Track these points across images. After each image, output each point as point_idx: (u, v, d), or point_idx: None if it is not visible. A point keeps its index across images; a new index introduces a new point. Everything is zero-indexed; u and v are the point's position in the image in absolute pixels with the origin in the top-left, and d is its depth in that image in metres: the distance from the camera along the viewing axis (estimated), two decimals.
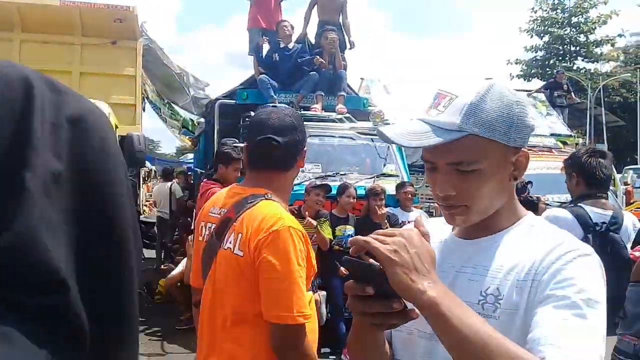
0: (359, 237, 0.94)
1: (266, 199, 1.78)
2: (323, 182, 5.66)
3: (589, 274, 1.03)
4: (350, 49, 7.68)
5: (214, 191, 3.97)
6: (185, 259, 6.75)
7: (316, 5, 7.69)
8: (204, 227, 1.95)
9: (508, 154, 1.14)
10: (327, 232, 5.45)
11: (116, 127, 5.97)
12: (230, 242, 1.75)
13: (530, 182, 3.57)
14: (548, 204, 3.47)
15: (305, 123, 6.71)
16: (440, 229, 1.26)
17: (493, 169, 1.12)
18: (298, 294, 1.67)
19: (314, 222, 5.30)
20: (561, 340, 0.91)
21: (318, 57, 7.07)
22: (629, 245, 3.01)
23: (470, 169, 1.10)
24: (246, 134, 2.04)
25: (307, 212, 5.37)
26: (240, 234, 1.72)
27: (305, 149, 1.94)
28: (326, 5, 7.66)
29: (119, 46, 7.78)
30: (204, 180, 8.07)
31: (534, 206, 3.42)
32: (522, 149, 1.17)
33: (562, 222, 2.93)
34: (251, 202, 1.77)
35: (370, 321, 0.98)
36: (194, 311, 2.10)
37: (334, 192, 5.68)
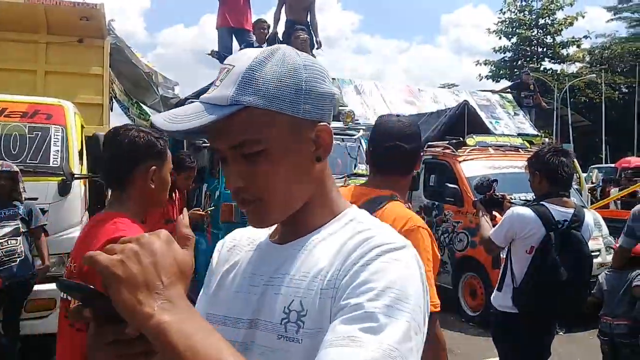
0: (91, 251, 0.73)
1: (393, 199, 1.96)
2: None
3: (396, 271, 0.83)
4: (317, 48, 7.68)
5: None
6: None
7: (284, 5, 7.68)
8: None
9: (302, 129, 0.93)
10: None
11: (82, 127, 5.85)
12: None
13: (495, 180, 3.62)
14: (513, 203, 3.52)
15: None
16: (259, 232, 1.06)
17: (283, 149, 0.91)
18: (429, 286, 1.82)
19: None
20: None
21: None
22: (590, 242, 3.09)
23: (255, 151, 0.90)
24: (372, 138, 2.17)
25: None
26: None
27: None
28: (294, 5, 7.66)
29: (85, 45, 7.62)
30: None
31: (500, 204, 3.47)
32: (322, 122, 0.95)
33: (526, 220, 3.00)
34: (381, 203, 1.94)
35: (110, 353, 0.74)
36: None
37: None
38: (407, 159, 2.04)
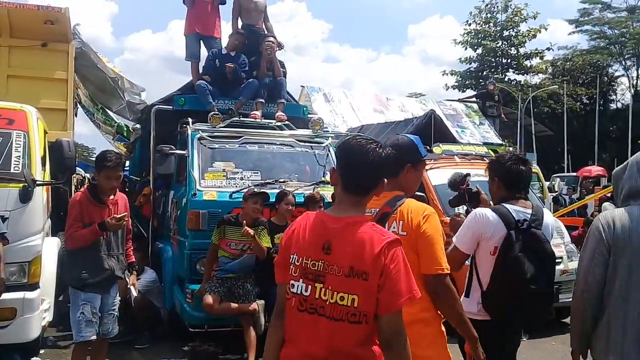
0: None
1: (407, 197, 2.62)
2: (261, 190, 5.63)
3: None
4: (280, 49, 7.69)
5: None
6: None
7: (240, 12, 7.66)
8: None
9: None
10: (265, 241, 5.40)
11: (45, 132, 5.72)
12: (393, 228, 2.49)
13: (468, 173, 3.64)
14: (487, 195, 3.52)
15: (244, 130, 6.68)
16: None
17: None
18: (443, 254, 2.50)
19: (252, 231, 5.26)
20: None
21: (230, 64, 7.05)
22: (551, 240, 3.17)
23: None
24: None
25: (244, 221, 5.32)
26: (401, 221, 2.51)
27: (409, 161, 2.70)
28: (251, 9, 7.64)
29: (49, 49, 7.46)
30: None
31: (476, 197, 3.50)
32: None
33: (489, 220, 3.05)
34: (401, 200, 2.56)
35: None
36: None
37: (272, 199, 5.67)
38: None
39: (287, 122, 6.91)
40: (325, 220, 2.07)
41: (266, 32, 7.63)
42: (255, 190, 5.58)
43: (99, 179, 4.45)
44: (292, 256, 2.08)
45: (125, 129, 10.73)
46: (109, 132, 11.04)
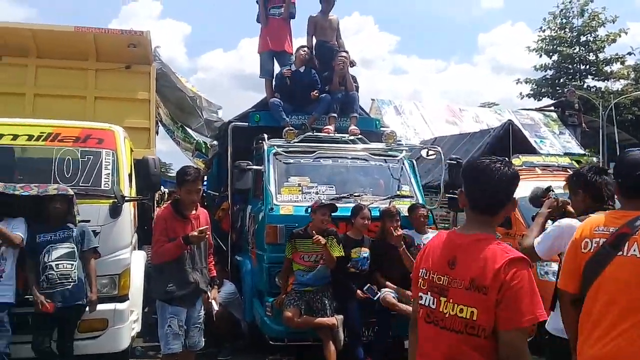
0: None
1: None
2: (329, 202, 5.67)
3: None
4: (353, 66, 7.74)
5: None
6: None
7: (315, 30, 7.77)
8: (589, 242, 2.52)
9: None
10: (336, 250, 5.42)
11: (131, 150, 5.99)
12: (634, 250, 2.35)
13: (549, 186, 3.61)
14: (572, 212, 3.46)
15: (318, 145, 6.73)
16: None
17: None
18: None
19: (323, 240, 5.29)
20: None
21: (316, 91, 7.17)
22: None
23: None
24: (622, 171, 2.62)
25: (313, 231, 5.38)
26: None
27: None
28: (326, 27, 7.74)
29: (132, 71, 7.83)
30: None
31: (562, 212, 3.47)
32: None
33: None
34: None
35: None
36: (568, 310, 2.63)
37: (341, 213, 5.68)
38: None
39: (360, 136, 6.90)
40: (453, 238, 2.16)
41: (339, 49, 7.70)
42: (323, 202, 5.63)
43: (180, 193, 4.61)
44: (421, 270, 2.20)
45: (203, 145, 11.09)
46: (188, 149, 11.45)
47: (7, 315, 4.36)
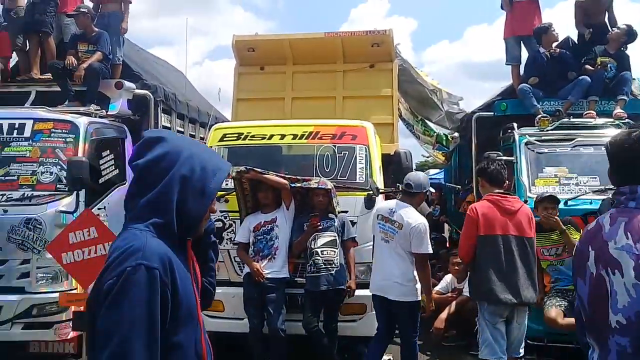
0: None
1: None
2: (549, 194, 5.23)
3: None
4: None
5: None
6: (448, 275, 6.70)
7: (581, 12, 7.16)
8: None
9: None
10: (576, 236, 4.94)
11: (380, 145, 6.23)
12: None
13: None
14: None
15: (576, 132, 6.16)
16: None
17: None
18: None
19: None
20: None
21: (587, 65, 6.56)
22: None
23: None
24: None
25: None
26: None
27: None
28: (590, 8, 7.06)
29: (376, 69, 8.10)
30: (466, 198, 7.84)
31: None
32: None
33: None
34: None
35: None
36: None
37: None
38: None
39: (626, 120, 6.15)
40: None
41: (609, 27, 7.04)
42: (545, 194, 5.23)
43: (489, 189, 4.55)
44: None
45: (444, 138, 11.05)
46: (428, 142, 11.51)
47: (283, 293, 4.89)
